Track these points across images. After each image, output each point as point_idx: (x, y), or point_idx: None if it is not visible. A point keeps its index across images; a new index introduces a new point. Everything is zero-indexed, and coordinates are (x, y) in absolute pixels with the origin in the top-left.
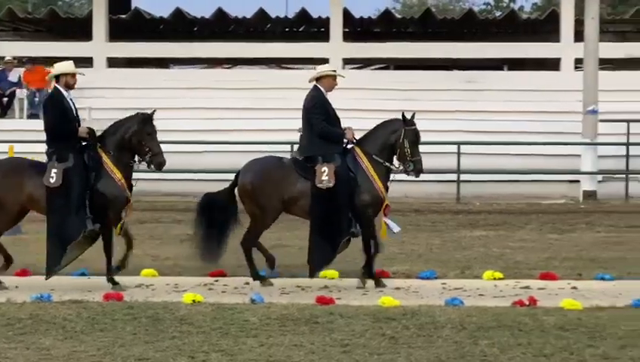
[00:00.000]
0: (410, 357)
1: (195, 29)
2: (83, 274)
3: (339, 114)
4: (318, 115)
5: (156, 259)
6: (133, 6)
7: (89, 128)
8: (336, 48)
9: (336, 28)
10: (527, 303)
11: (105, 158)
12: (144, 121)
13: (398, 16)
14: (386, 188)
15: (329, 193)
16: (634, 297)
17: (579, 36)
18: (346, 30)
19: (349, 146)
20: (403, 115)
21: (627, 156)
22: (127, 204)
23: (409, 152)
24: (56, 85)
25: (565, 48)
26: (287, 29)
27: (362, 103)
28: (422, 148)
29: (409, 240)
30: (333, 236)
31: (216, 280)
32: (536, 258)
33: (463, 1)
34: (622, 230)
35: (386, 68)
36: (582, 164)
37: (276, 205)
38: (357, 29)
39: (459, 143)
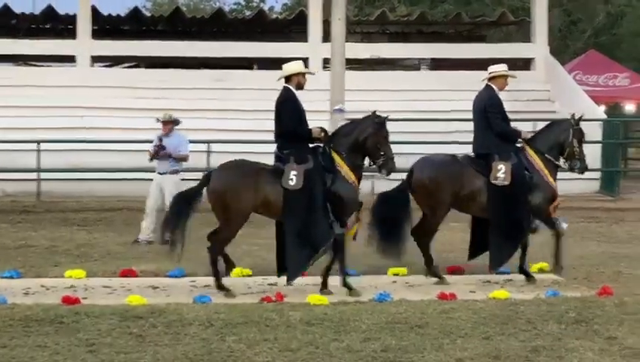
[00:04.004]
0: (157, 354)
1: None
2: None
3: (84, 112)
4: (497, 114)
5: None
6: None
7: (321, 128)
8: (84, 46)
9: (85, 25)
10: (275, 299)
11: (339, 160)
12: (381, 125)
13: (148, 14)
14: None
15: (508, 191)
16: (377, 291)
17: (327, 36)
18: (95, 28)
19: (519, 145)
20: (573, 116)
21: None
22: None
23: (578, 151)
24: (288, 86)
25: (313, 48)
26: (33, 26)
27: (113, 102)
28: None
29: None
30: (513, 234)
31: None
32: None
33: (213, 1)
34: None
35: (137, 66)
36: None
37: (451, 201)
38: (106, 26)
39: (208, 142)
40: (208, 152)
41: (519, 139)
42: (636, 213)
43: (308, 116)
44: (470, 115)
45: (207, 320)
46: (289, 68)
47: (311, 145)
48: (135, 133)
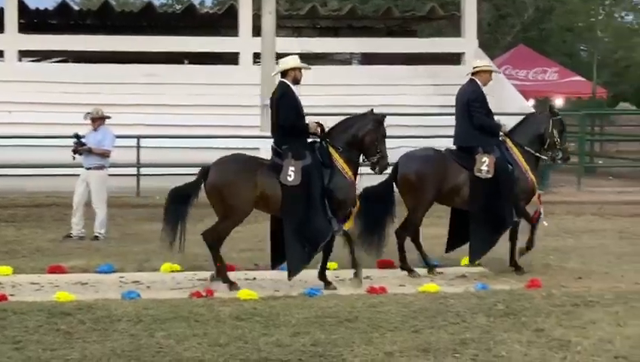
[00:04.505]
0: (85, 351)
1: None
2: None
3: (12, 107)
4: (480, 108)
5: None
6: None
7: (318, 123)
8: (11, 40)
9: (11, 19)
10: (204, 294)
11: (335, 156)
12: (379, 122)
13: (77, 8)
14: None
15: (491, 184)
16: (307, 286)
17: (257, 31)
18: (22, 22)
19: (500, 138)
20: (550, 107)
21: None
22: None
23: (558, 141)
24: (284, 80)
25: (244, 43)
26: None
27: (41, 97)
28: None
29: (88, 233)
30: (495, 226)
31: None
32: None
33: None
34: None
35: (66, 61)
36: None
37: (435, 196)
38: (34, 20)
39: (138, 137)
40: (138, 147)
41: (501, 133)
42: (565, 206)
43: (239, 111)
44: (403, 110)
45: (135, 315)
46: (286, 62)
47: (308, 141)
48: (64, 129)
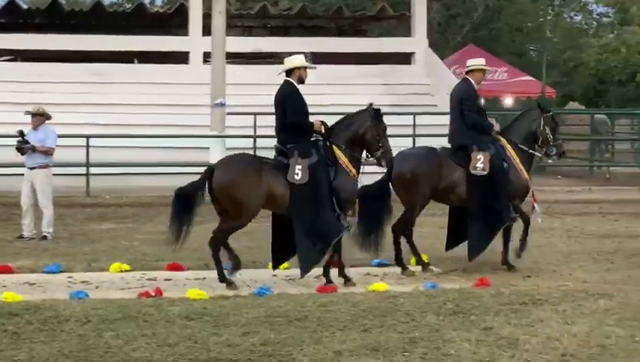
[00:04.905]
0: (32, 352)
1: None
2: None
3: None
4: (471, 106)
5: None
6: None
7: (322, 122)
8: None
9: None
10: (153, 294)
11: (339, 153)
12: (378, 117)
13: (25, 6)
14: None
15: (487, 181)
16: (258, 286)
17: (207, 30)
18: None
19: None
20: (538, 104)
21: (254, 148)
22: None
23: (551, 137)
24: (290, 79)
25: (194, 42)
26: None
27: None
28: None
29: (36, 233)
30: (492, 223)
31: None
32: (165, 250)
33: None
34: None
35: (14, 60)
36: (210, 156)
37: (431, 194)
38: None
39: (87, 136)
40: (87, 147)
41: (492, 132)
42: None
43: (188, 110)
44: (353, 110)
45: (83, 316)
46: (292, 61)
47: (312, 139)
48: (11, 128)
